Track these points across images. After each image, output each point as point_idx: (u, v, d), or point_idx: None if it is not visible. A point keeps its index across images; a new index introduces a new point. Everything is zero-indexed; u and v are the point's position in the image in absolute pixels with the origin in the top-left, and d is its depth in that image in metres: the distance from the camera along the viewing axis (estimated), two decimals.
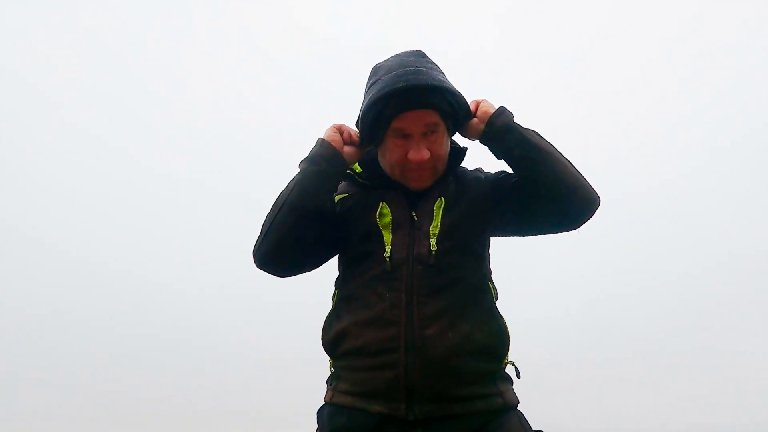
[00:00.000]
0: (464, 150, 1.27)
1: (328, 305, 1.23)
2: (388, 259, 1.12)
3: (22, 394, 4.47)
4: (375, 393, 1.06)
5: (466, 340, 1.07)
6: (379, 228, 1.15)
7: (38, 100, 5.27)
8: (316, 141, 1.23)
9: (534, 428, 1.12)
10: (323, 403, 1.17)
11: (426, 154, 1.12)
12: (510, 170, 1.24)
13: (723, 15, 5.20)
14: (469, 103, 1.21)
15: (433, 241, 1.13)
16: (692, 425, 4.32)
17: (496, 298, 1.18)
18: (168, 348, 4.83)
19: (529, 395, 1.21)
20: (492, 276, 1.22)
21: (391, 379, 1.04)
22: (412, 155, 1.12)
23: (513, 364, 1.15)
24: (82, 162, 5.26)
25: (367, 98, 1.16)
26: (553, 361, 4.59)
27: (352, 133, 1.24)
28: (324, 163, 1.17)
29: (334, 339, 1.15)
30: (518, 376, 1.16)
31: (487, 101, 1.22)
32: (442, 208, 1.16)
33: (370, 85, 1.17)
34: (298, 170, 1.21)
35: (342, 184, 1.29)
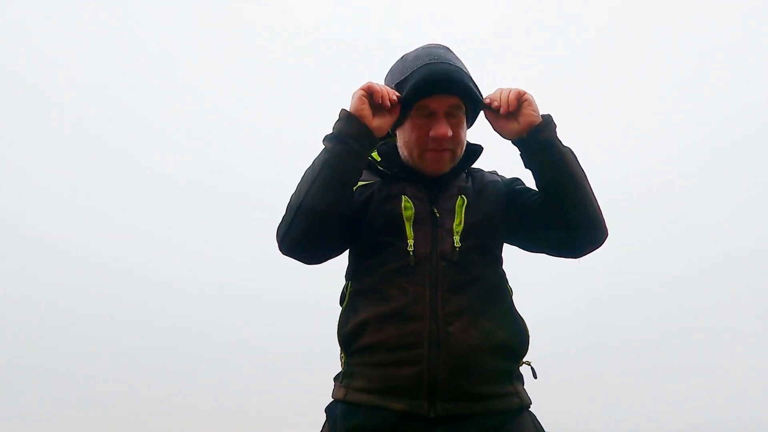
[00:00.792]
0: (480, 148, 1.28)
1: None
2: (411, 253, 1.10)
3: (22, 394, 4.47)
4: (395, 390, 1.04)
5: (489, 337, 1.06)
6: (402, 220, 1.13)
7: (38, 100, 5.28)
8: (340, 113, 1.12)
9: (546, 430, 1.12)
10: (332, 400, 1.15)
11: (448, 131, 1.12)
12: (524, 179, 1.25)
13: (721, 16, 5.21)
14: (506, 90, 1.15)
15: (456, 238, 1.11)
16: (690, 425, 4.33)
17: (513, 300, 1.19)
18: (168, 348, 4.83)
19: (530, 395, 1.21)
20: (507, 279, 1.22)
21: (413, 375, 1.02)
22: (434, 131, 1.12)
23: (529, 364, 1.15)
24: (82, 162, 5.26)
25: (394, 80, 1.16)
26: (553, 361, 4.59)
27: (384, 93, 1.11)
28: (354, 143, 1.09)
29: (351, 333, 1.13)
30: (534, 377, 1.15)
31: (533, 101, 1.13)
32: (464, 207, 1.16)
33: (398, 70, 1.17)
34: (323, 148, 1.12)
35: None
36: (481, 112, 1.21)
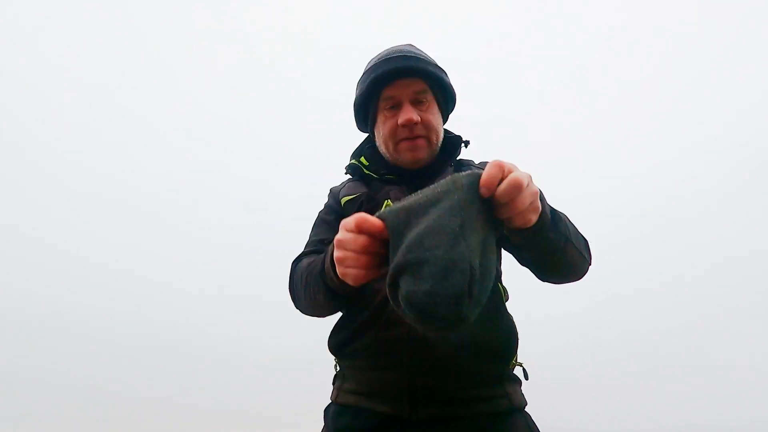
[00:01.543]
0: (460, 138, 1.27)
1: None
2: None
3: (22, 394, 4.47)
4: (379, 393, 1.04)
5: (472, 340, 1.03)
6: None
7: (38, 100, 5.28)
8: (329, 256, 0.96)
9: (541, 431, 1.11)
10: (330, 402, 1.16)
11: (415, 116, 1.12)
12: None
13: (717, 26, 5.22)
14: (498, 172, 0.92)
15: None
16: (690, 425, 4.33)
17: (506, 299, 1.16)
18: (168, 348, 4.83)
19: (529, 395, 1.21)
20: (502, 277, 1.20)
21: (395, 379, 1.01)
22: (401, 117, 1.12)
23: (521, 365, 1.12)
24: (82, 162, 5.27)
25: (359, 81, 1.18)
26: (552, 361, 4.60)
27: (382, 229, 0.83)
28: (340, 293, 1.07)
29: (341, 340, 1.14)
30: (526, 378, 1.13)
31: (530, 189, 0.82)
32: None
33: (363, 72, 1.20)
34: (316, 279, 1.05)
35: (349, 185, 1.27)
36: (457, 106, 1.23)
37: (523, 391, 1.14)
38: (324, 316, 1.15)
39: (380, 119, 1.16)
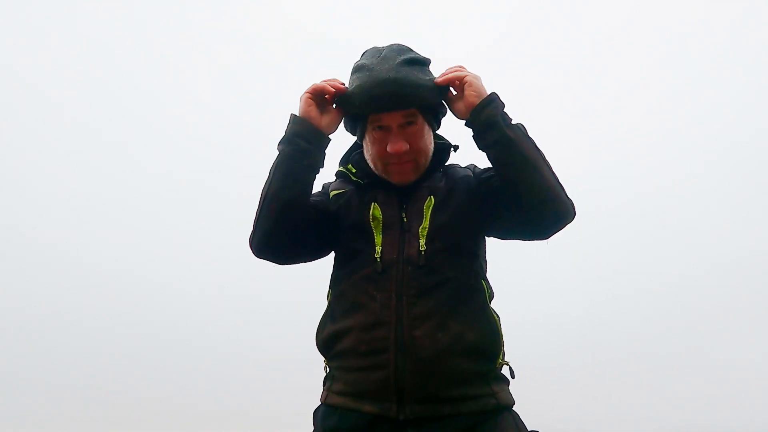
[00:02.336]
0: (449, 146, 1.27)
1: (326, 305, 1.23)
2: (378, 260, 1.12)
3: (22, 394, 4.47)
4: (366, 393, 1.06)
5: (457, 340, 1.06)
6: (370, 227, 1.15)
7: (38, 99, 5.28)
8: (289, 117, 1.18)
9: (530, 429, 1.11)
10: (319, 403, 1.17)
11: (404, 145, 1.12)
12: None
13: (714, 26, 5.24)
14: (453, 73, 1.15)
15: (422, 241, 1.12)
16: (690, 425, 4.33)
17: (491, 298, 1.17)
18: (168, 348, 4.83)
19: (526, 395, 1.21)
20: (487, 275, 1.21)
21: (381, 379, 1.04)
22: (390, 147, 1.13)
23: (507, 364, 1.15)
24: (82, 162, 5.27)
25: (348, 96, 1.17)
26: (550, 361, 4.60)
27: (327, 88, 1.16)
28: (302, 142, 1.14)
29: (326, 339, 1.16)
30: (512, 376, 1.15)
31: (476, 83, 1.13)
32: (431, 208, 1.16)
33: (353, 84, 1.18)
34: (277, 153, 1.17)
35: (337, 182, 1.30)
36: (455, 114, 1.20)
37: (510, 390, 1.16)
38: (288, 196, 1.12)
39: (368, 138, 1.19)
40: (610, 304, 5.02)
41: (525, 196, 1.10)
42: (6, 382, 4.47)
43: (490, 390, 1.09)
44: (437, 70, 1.23)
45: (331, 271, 1.26)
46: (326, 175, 1.34)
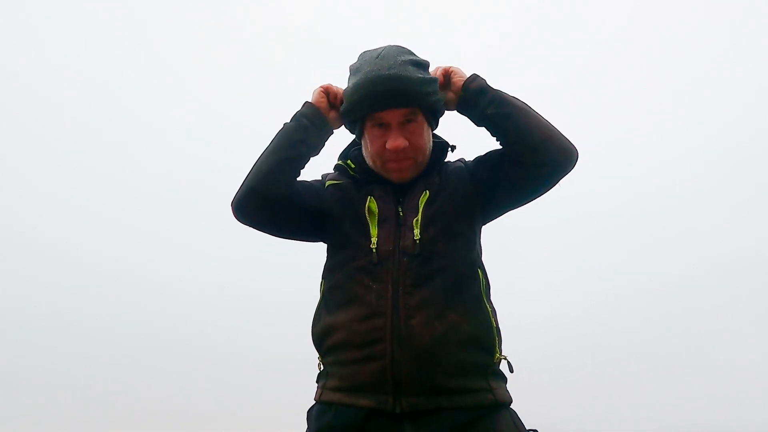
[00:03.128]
0: (446, 144, 1.28)
1: (319, 296, 1.22)
2: (374, 251, 1.12)
3: (22, 394, 4.47)
4: (362, 386, 1.05)
5: (454, 330, 1.05)
6: (366, 219, 1.16)
7: (37, 100, 5.28)
8: (302, 104, 1.26)
9: (528, 428, 1.11)
10: (313, 402, 1.17)
11: (403, 142, 1.13)
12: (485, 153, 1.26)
13: (712, 30, 5.25)
14: (437, 70, 1.23)
15: (416, 231, 1.13)
16: (689, 425, 4.34)
17: (488, 287, 1.17)
18: (168, 348, 4.83)
19: (525, 395, 1.21)
20: (483, 263, 1.21)
21: (377, 370, 1.03)
22: (390, 144, 1.14)
23: (506, 358, 1.14)
24: (82, 162, 5.27)
25: (349, 90, 1.19)
26: (550, 361, 4.60)
27: (339, 94, 1.24)
28: (305, 120, 1.21)
29: (321, 332, 1.15)
30: (511, 371, 1.14)
31: (459, 70, 1.23)
32: (425, 201, 1.17)
33: (350, 81, 1.19)
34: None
35: (334, 174, 1.30)
36: (446, 107, 1.24)
37: (508, 389, 1.15)
38: (280, 157, 1.17)
39: (367, 136, 1.19)
40: (610, 304, 5.02)
41: (527, 140, 1.13)
42: (6, 382, 4.47)
43: (488, 385, 1.08)
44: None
45: (324, 262, 1.25)
46: (325, 169, 1.35)
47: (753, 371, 4.60)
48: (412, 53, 1.20)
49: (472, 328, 1.08)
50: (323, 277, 1.23)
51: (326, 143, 1.27)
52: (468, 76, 1.21)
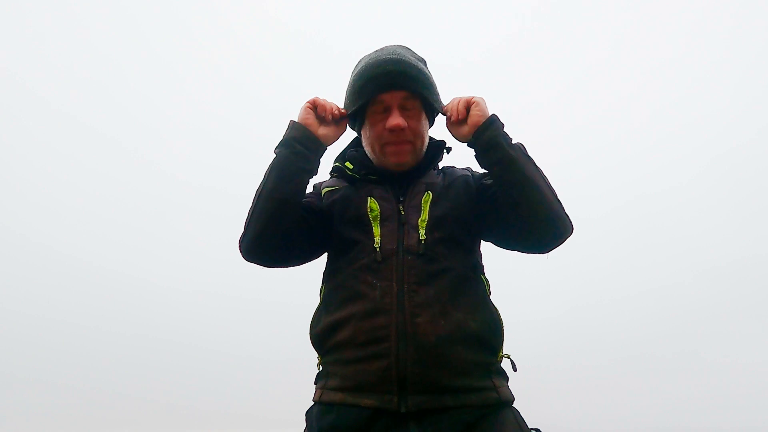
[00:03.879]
0: (444, 143, 1.31)
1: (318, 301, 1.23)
2: (378, 249, 1.11)
3: (22, 394, 4.48)
4: (366, 386, 1.03)
5: (459, 328, 1.05)
6: (368, 218, 1.16)
7: (39, 101, 5.29)
8: (288, 123, 1.21)
9: (530, 427, 1.09)
10: (312, 403, 1.17)
11: (402, 121, 1.15)
12: None
13: (708, 37, 5.29)
14: (459, 99, 1.20)
15: (422, 231, 1.13)
16: (684, 427, 4.36)
17: (490, 293, 1.19)
18: (168, 348, 4.84)
19: (526, 395, 1.22)
20: (485, 272, 1.23)
21: (382, 369, 1.02)
22: (389, 122, 1.16)
23: (509, 357, 1.16)
24: (82, 162, 5.28)
25: (351, 81, 1.21)
26: (548, 363, 4.62)
27: (327, 107, 1.21)
28: (298, 146, 1.17)
29: (323, 332, 1.13)
30: (514, 369, 1.14)
31: (482, 104, 1.19)
32: (429, 202, 1.17)
33: (355, 71, 1.22)
34: (274, 156, 1.19)
35: (331, 179, 1.32)
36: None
37: (510, 387, 1.16)
38: (281, 195, 1.13)
39: (369, 122, 1.21)
40: (609, 306, 5.05)
41: (526, 214, 1.11)
42: (6, 382, 4.47)
43: (492, 383, 1.08)
44: (437, 73, 1.26)
45: (325, 266, 1.25)
46: (319, 178, 1.37)
47: (747, 373, 4.62)
48: (410, 50, 1.25)
49: (478, 327, 1.08)
50: (324, 281, 1.23)
51: (333, 148, 1.26)
52: (486, 117, 1.16)
